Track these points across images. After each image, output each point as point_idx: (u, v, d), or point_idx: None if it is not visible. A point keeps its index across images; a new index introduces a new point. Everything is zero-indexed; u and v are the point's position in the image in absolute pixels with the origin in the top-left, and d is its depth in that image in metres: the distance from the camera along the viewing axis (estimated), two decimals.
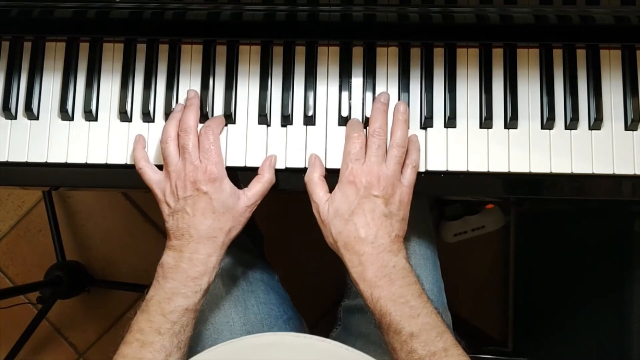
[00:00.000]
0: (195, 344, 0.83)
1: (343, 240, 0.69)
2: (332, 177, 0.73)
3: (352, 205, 0.68)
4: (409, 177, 0.71)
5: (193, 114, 0.73)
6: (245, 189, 0.73)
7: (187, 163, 0.70)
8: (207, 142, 0.71)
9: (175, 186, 0.70)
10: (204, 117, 0.75)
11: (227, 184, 0.71)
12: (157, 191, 0.71)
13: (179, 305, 0.67)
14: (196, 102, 0.74)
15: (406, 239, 0.83)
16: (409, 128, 0.74)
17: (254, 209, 0.73)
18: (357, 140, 0.71)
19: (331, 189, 0.71)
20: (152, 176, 0.72)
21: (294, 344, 0.62)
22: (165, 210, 0.71)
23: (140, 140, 0.75)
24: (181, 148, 0.71)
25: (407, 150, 0.72)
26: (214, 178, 0.69)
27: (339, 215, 0.69)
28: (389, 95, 0.74)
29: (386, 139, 0.72)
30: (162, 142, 0.72)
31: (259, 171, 0.74)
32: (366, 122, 0.74)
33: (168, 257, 0.69)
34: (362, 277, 0.67)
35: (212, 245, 0.69)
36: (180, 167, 0.70)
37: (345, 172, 0.70)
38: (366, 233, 0.67)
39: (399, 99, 0.75)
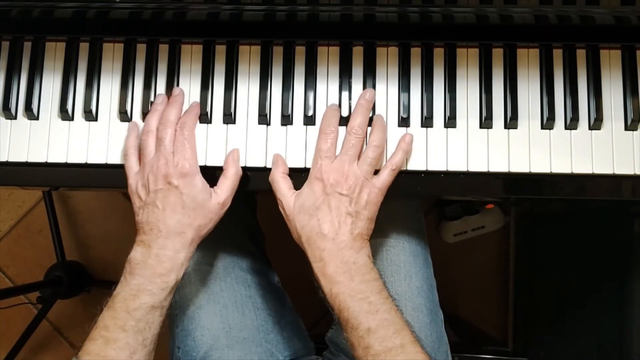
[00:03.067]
0: (191, 349, 0.83)
1: (306, 235, 0.69)
2: None
3: (317, 201, 0.69)
4: (383, 179, 0.71)
5: (175, 110, 0.73)
6: (215, 187, 0.72)
7: (161, 156, 0.70)
8: (182, 136, 0.71)
9: (147, 178, 0.70)
10: (204, 116, 0.75)
11: (199, 179, 0.71)
12: (132, 181, 0.72)
13: (145, 302, 0.67)
14: (180, 100, 0.74)
15: (396, 235, 0.84)
16: (408, 127, 0.74)
17: (228, 206, 0.73)
18: (329, 137, 0.71)
19: None
20: (133, 165, 0.72)
21: None
22: (136, 202, 0.71)
23: (134, 128, 0.75)
24: (158, 141, 0.71)
25: (395, 150, 0.72)
26: (185, 173, 0.69)
27: (304, 210, 0.69)
28: (374, 92, 0.74)
29: (364, 137, 0.72)
30: (143, 133, 0.72)
31: (224, 167, 0.73)
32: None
33: (136, 253, 0.69)
34: (323, 272, 0.68)
35: (180, 241, 0.69)
36: (154, 160, 0.70)
37: (315, 168, 0.71)
38: (328, 229, 0.68)
39: (399, 99, 0.75)
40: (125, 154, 0.73)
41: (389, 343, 0.63)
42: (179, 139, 0.71)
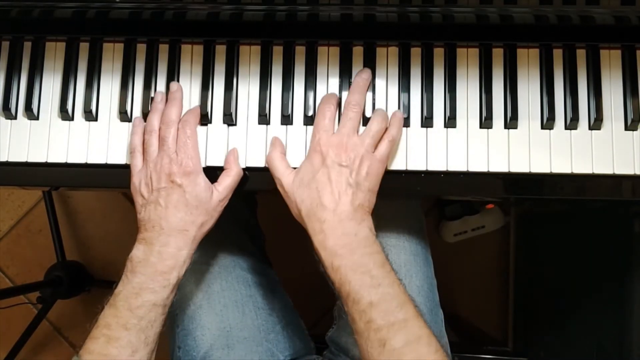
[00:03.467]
0: (191, 348, 0.83)
1: (306, 208, 0.68)
2: None
3: (317, 174, 0.69)
4: (382, 151, 0.71)
5: (176, 108, 0.73)
6: (216, 183, 0.73)
7: (164, 155, 0.70)
8: (184, 135, 0.71)
9: (151, 177, 0.70)
10: (204, 116, 0.75)
11: (202, 178, 0.71)
12: (135, 179, 0.72)
13: (147, 300, 0.67)
14: (179, 96, 0.75)
15: (396, 235, 0.84)
16: (409, 127, 0.75)
17: (226, 203, 0.73)
18: (327, 112, 0.72)
19: None
20: (138, 164, 0.73)
21: None
22: (139, 200, 0.71)
23: (140, 126, 0.75)
24: (161, 140, 0.72)
25: (390, 124, 0.72)
26: (189, 171, 0.70)
27: (303, 184, 0.69)
28: (370, 72, 0.75)
29: (361, 112, 0.72)
30: (146, 133, 0.73)
31: (226, 166, 0.74)
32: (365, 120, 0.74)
33: (138, 251, 0.69)
34: (323, 245, 0.67)
35: (183, 238, 0.69)
36: (157, 159, 0.71)
37: (314, 141, 0.71)
38: (328, 200, 0.67)
39: (399, 99, 0.75)
40: (131, 152, 0.74)
41: (391, 317, 0.62)
42: (182, 138, 0.71)
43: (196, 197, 0.70)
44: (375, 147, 0.71)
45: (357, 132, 0.71)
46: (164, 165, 0.70)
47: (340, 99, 0.75)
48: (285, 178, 0.71)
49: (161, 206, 0.69)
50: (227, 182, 0.73)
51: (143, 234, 0.70)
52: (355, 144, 0.69)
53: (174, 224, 0.69)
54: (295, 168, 0.72)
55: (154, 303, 0.67)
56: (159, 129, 0.72)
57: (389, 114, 0.74)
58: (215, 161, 0.75)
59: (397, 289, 0.65)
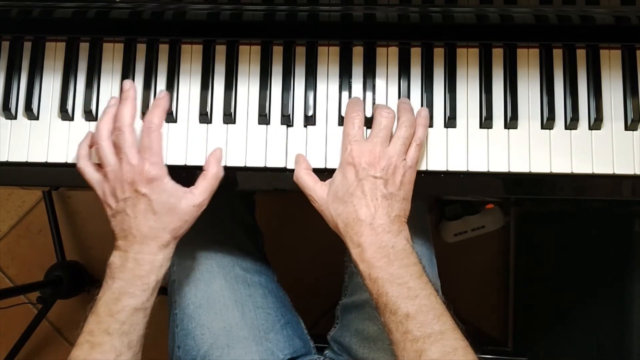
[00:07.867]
0: (191, 348, 0.83)
1: (343, 222, 0.68)
2: (329, 176, 0.73)
3: (351, 187, 0.68)
4: (412, 156, 0.70)
5: (128, 109, 0.71)
6: (192, 187, 0.71)
7: (124, 163, 0.68)
8: (147, 139, 0.69)
9: (114, 187, 0.69)
10: (204, 116, 0.75)
11: (168, 183, 0.69)
12: (99, 191, 0.70)
13: (127, 304, 0.67)
14: (132, 95, 0.72)
15: None
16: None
17: (204, 206, 0.71)
18: (356, 120, 0.71)
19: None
20: (92, 176, 0.71)
21: None
22: (107, 211, 0.70)
23: (88, 137, 0.73)
24: (116, 148, 0.69)
25: (416, 127, 0.71)
26: (151, 178, 0.68)
27: (338, 197, 0.69)
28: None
29: (393, 120, 0.71)
30: (96, 142, 0.70)
31: (204, 167, 0.72)
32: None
33: (115, 258, 0.69)
34: (361, 257, 0.67)
35: (156, 245, 0.69)
36: (117, 168, 0.68)
37: (345, 153, 0.70)
38: (365, 214, 0.67)
39: (399, 99, 0.75)
40: (78, 167, 0.71)
41: (427, 329, 0.62)
42: (144, 142, 0.69)
43: (164, 204, 0.68)
44: (405, 152, 0.70)
45: (389, 140, 0.70)
46: (125, 174, 0.68)
47: (340, 99, 0.75)
48: (317, 193, 0.70)
49: (129, 216, 0.68)
50: (204, 185, 0.71)
51: (118, 242, 0.69)
52: (387, 153, 0.68)
53: (144, 232, 0.68)
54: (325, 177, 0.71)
55: (135, 307, 0.67)
56: (114, 135, 0.70)
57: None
58: None
59: (434, 300, 0.65)
